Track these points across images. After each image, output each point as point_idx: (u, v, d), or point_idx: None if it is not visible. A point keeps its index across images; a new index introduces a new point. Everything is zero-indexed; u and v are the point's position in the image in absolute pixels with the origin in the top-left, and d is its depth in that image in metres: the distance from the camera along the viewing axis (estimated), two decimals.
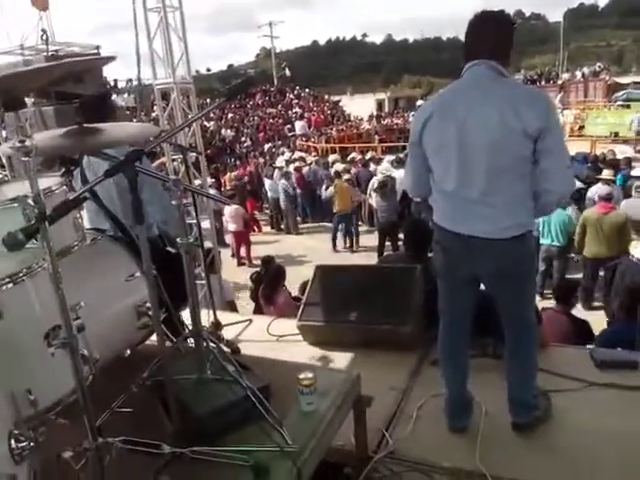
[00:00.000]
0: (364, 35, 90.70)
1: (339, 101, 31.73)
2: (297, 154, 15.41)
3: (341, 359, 2.89)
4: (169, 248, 2.24)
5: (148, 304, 2.03)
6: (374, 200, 9.19)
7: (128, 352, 2.19)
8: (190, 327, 1.88)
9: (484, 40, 2.01)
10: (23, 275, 1.43)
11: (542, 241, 6.63)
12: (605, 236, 6.11)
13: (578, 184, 6.95)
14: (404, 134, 21.80)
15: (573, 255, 6.78)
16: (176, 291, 1.71)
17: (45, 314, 1.43)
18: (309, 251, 9.79)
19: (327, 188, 10.50)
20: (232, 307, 6.08)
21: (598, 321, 4.66)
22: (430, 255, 3.52)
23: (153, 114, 15.90)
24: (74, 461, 1.32)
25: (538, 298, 5.76)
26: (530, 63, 46.63)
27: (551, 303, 4.49)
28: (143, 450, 1.44)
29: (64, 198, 1.64)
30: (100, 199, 2.03)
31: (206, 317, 2.73)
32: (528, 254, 2.17)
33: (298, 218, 11.94)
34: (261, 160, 16.14)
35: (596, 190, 6.77)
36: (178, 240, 1.69)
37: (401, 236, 9.01)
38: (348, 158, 13.00)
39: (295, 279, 5.59)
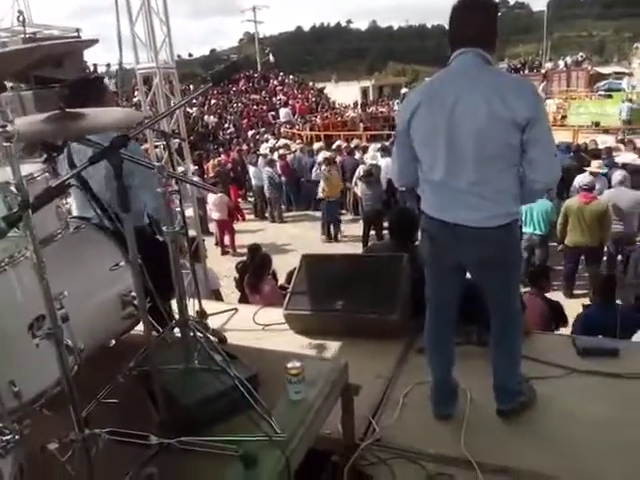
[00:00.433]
0: (349, 21, 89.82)
1: (324, 88, 31.53)
2: (281, 141, 15.28)
3: (328, 348, 2.90)
4: (159, 237, 2.20)
5: (133, 293, 2.00)
6: (359, 189, 9.18)
7: (113, 342, 2.17)
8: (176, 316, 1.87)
9: (470, 27, 1.99)
10: (5, 264, 1.39)
11: (524, 230, 6.71)
12: (587, 225, 6.21)
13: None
14: (389, 122, 21.85)
15: (555, 244, 6.87)
16: (165, 280, 1.68)
17: (28, 304, 1.39)
18: (294, 240, 9.76)
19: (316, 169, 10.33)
20: (217, 296, 6.04)
21: (578, 308, 4.75)
22: (416, 244, 3.55)
23: (134, 99, 15.61)
24: (60, 453, 1.30)
25: (521, 286, 5.85)
26: (514, 52, 46.84)
27: None
28: (130, 441, 1.42)
29: (46, 185, 1.59)
30: (89, 186, 1.98)
31: (191, 306, 2.71)
32: (514, 242, 2.19)
33: (282, 206, 11.87)
34: (245, 147, 15.98)
35: (580, 179, 6.84)
36: (164, 228, 1.66)
37: (386, 225, 9.08)
38: (333, 146, 12.94)
39: (280, 268, 5.57)
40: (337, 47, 71.92)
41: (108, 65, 23.31)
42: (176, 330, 1.90)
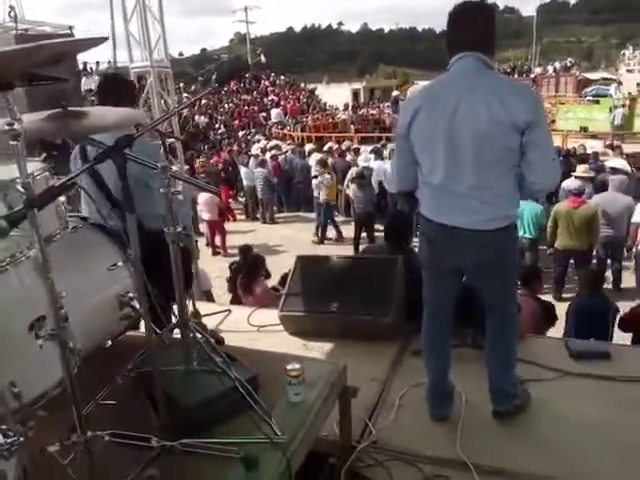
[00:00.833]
0: (340, 23, 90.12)
1: (315, 89, 31.54)
2: (273, 142, 15.27)
3: (323, 349, 2.90)
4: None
5: (131, 294, 1.99)
6: (351, 191, 9.19)
7: (109, 343, 2.15)
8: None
9: (468, 31, 2.01)
10: (6, 264, 1.37)
11: None
12: (575, 229, 6.28)
13: None
14: (379, 125, 21.92)
15: (545, 247, 6.94)
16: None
17: (29, 304, 1.38)
18: (285, 241, 9.74)
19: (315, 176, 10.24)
20: (209, 297, 6.02)
21: None
22: (411, 246, 3.58)
23: None
24: (61, 455, 1.29)
25: None
26: (504, 56, 47.20)
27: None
28: (132, 443, 1.41)
29: (46, 184, 1.58)
30: (107, 186, 1.96)
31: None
32: (512, 245, 2.21)
33: (274, 207, 11.85)
34: (235, 147, 15.93)
35: (568, 184, 6.92)
36: (165, 230, 1.65)
37: (377, 227, 9.10)
38: (325, 147, 12.95)
39: (272, 269, 5.56)
40: (328, 49, 72.03)
41: (97, 63, 23.14)
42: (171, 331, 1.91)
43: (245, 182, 11.86)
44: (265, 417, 1.61)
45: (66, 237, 1.78)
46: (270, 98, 26.65)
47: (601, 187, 7.44)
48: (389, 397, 2.46)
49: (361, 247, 8.68)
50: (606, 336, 3.91)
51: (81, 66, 17.32)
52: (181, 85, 22.94)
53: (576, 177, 7.18)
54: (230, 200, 12.56)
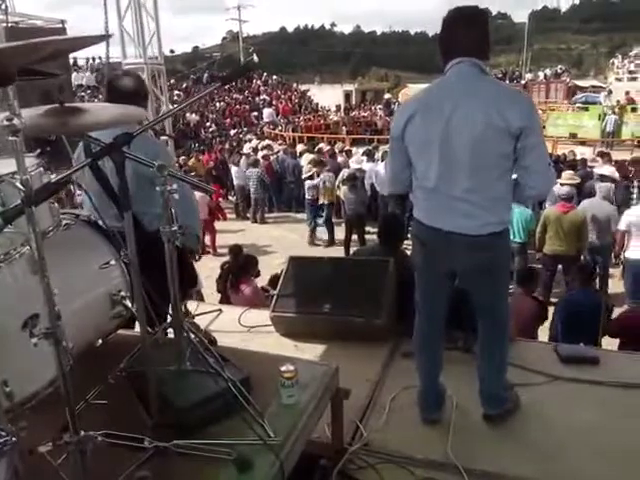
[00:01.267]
0: (333, 24, 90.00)
1: (307, 90, 31.55)
2: (265, 142, 15.23)
3: (314, 351, 2.90)
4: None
5: (122, 293, 1.97)
6: (342, 192, 9.20)
7: (100, 342, 2.12)
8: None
9: (463, 37, 2.02)
10: (0, 261, 1.35)
11: None
12: (565, 234, 6.33)
13: None
14: (371, 127, 21.98)
15: (533, 251, 6.99)
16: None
17: (22, 302, 1.36)
18: (275, 241, 9.72)
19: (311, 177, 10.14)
20: (199, 296, 5.97)
21: None
22: (402, 248, 3.59)
23: None
24: (52, 456, 1.27)
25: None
26: (495, 61, 47.46)
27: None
28: (124, 444, 1.39)
29: (40, 180, 1.56)
30: (110, 184, 1.93)
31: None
32: (505, 249, 2.22)
33: (265, 207, 11.82)
34: (227, 146, 15.87)
35: (558, 189, 6.98)
36: (161, 228, 1.63)
37: (368, 229, 9.11)
38: (316, 148, 12.94)
39: (262, 269, 5.54)
40: (321, 50, 72.05)
41: (87, 60, 22.92)
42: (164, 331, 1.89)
43: (236, 181, 11.82)
44: (258, 419, 1.60)
45: (59, 235, 1.75)
46: (262, 97, 26.59)
47: (589, 194, 7.54)
48: (380, 399, 2.46)
49: (351, 249, 8.68)
50: (597, 332, 3.97)
51: (71, 61, 17.16)
52: (171, 82, 22.77)
53: (562, 184, 7.24)
54: (220, 199, 12.51)
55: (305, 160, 11.12)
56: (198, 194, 9.22)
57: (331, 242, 9.69)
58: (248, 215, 11.78)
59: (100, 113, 1.48)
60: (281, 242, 9.53)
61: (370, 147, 11.65)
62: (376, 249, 3.60)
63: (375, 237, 8.88)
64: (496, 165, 1.97)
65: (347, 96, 29.54)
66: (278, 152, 13.00)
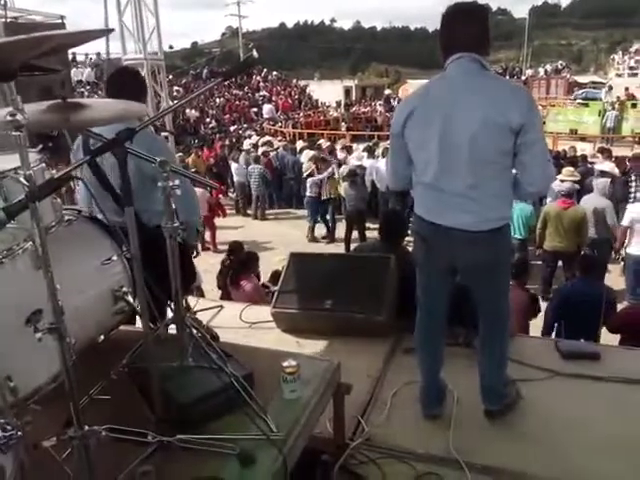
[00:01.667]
0: (332, 20, 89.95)
1: (307, 86, 31.49)
2: (265, 138, 15.20)
3: (315, 347, 2.90)
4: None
5: (125, 289, 1.98)
6: (342, 189, 9.19)
7: (101, 338, 2.13)
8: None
9: (463, 33, 2.01)
10: (3, 257, 1.35)
11: None
12: (565, 230, 6.33)
13: None
14: (371, 123, 21.94)
15: (533, 247, 7.00)
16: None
17: (25, 298, 1.36)
18: (276, 237, 9.71)
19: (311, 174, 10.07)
20: (199, 292, 5.98)
21: None
22: (404, 244, 3.59)
23: None
24: (55, 450, 1.27)
25: None
26: (495, 57, 47.45)
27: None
28: (128, 439, 1.40)
29: (42, 175, 1.56)
30: (107, 180, 1.93)
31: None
32: (506, 245, 2.22)
33: (265, 204, 11.81)
34: (227, 142, 15.84)
35: (558, 185, 6.98)
36: (162, 224, 1.64)
37: (368, 225, 9.11)
38: (315, 145, 12.92)
39: (262, 265, 5.55)
40: (320, 45, 71.88)
41: (86, 55, 22.84)
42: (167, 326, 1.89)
43: (236, 178, 11.79)
44: (261, 414, 1.61)
45: (61, 230, 1.76)
46: (261, 93, 26.54)
47: (589, 190, 7.54)
48: (382, 395, 2.47)
49: (352, 245, 8.68)
50: (598, 321, 4.00)
51: (70, 56, 17.10)
52: (170, 77, 22.71)
53: (562, 180, 7.24)
54: (220, 196, 12.50)
55: (305, 157, 11.09)
56: (198, 190, 9.23)
57: (332, 238, 9.69)
58: (248, 212, 11.77)
59: (102, 109, 1.48)
60: (281, 238, 9.52)
61: (371, 143, 11.62)
62: (377, 245, 3.60)
63: (375, 233, 8.90)
64: (496, 161, 1.96)
65: (347, 92, 29.47)
66: (278, 148, 12.98)
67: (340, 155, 11.24)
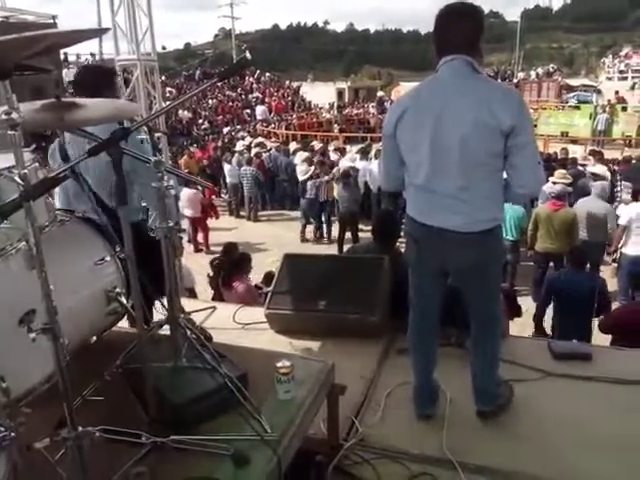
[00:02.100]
0: (326, 22, 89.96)
1: (300, 87, 31.51)
2: (258, 139, 15.20)
3: (309, 348, 2.90)
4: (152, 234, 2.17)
5: (118, 289, 1.97)
6: (335, 190, 9.20)
7: (94, 339, 2.12)
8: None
9: (457, 34, 2.01)
10: None
11: None
12: (555, 232, 6.38)
13: None
14: (364, 125, 21.97)
15: (525, 249, 7.04)
16: (158, 278, 1.65)
17: (19, 298, 1.35)
18: (269, 239, 9.71)
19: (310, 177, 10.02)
20: (192, 294, 5.97)
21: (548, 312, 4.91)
22: (397, 246, 3.60)
23: None
24: (48, 452, 1.26)
25: None
26: (487, 60, 47.68)
27: None
28: (122, 439, 1.39)
29: (35, 175, 1.55)
30: (84, 178, 1.92)
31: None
32: (498, 247, 2.23)
33: (258, 205, 11.81)
34: (219, 143, 15.81)
35: (549, 187, 7.03)
36: (157, 224, 1.63)
37: (361, 227, 9.13)
38: (308, 147, 12.93)
39: (256, 266, 5.54)
40: (314, 47, 71.97)
41: (78, 56, 22.70)
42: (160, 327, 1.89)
43: (229, 179, 11.79)
44: (255, 414, 1.61)
45: (54, 230, 1.75)
46: (254, 95, 26.52)
47: (580, 192, 7.60)
48: (375, 395, 2.47)
49: (345, 247, 8.69)
50: (590, 312, 4.11)
51: (62, 56, 16.99)
52: (163, 78, 22.64)
53: (554, 182, 7.29)
54: (213, 197, 12.48)
55: (299, 158, 11.10)
56: (191, 191, 9.27)
57: (329, 239, 9.71)
58: (242, 213, 11.75)
59: (96, 108, 1.47)
60: (275, 240, 9.52)
61: (364, 145, 11.66)
62: (371, 246, 3.61)
63: (368, 235, 8.91)
64: (486, 163, 1.97)
65: (340, 94, 29.52)
66: (270, 150, 12.98)
67: (333, 157, 11.25)
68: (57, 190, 2.29)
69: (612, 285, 6.61)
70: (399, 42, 75.53)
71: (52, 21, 5.81)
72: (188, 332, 1.73)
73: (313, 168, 9.77)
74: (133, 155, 1.47)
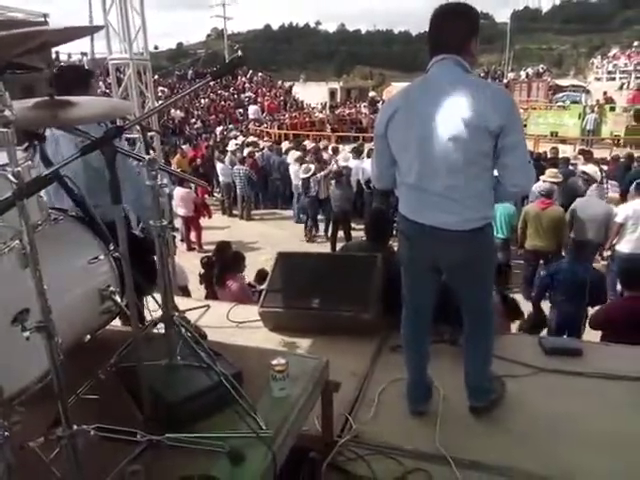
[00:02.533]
0: (317, 23, 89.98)
1: (292, 87, 31.50)
2: (250, 138, 15.17)
3: (303, 345, 2.91)
4: (134, 231, 2.16)
5: (112, 288, 1.96)
6: (329, 189, 9.21)
7: (88, 337, 2.11)
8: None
9: (450, 34, 2.03)
10: None
11: None
12: (544, 230, 6.42)
13: None
14: (356, 125, 22.02)
15: (515, 247, 7.09)
16: (142, 275, 1.65)
17: (12, 297, 1.35)
18: (262, 237, 9.71)
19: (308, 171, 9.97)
20: (185, 292, 5.96)
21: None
22: (390, 244, 3.62)
23: (99, 91, 15.13)
24: (43, 451, 1.26)
25: None
26: (477, 61, 47.78)
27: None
28: (117, 438, 1.39)
29: (28, 174, 1.54)
30: (62, 177, 1.91)
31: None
32: (488, 245, 2.24)
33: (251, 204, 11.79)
34: (211, 142, 15.76)
35: (538, 186, 7.08)
36: (151, 222, 1.63)
37: (353, 225, 9.15)
38: (300, 146, 12.93)
39: (249, 265, 5.53)
40: (305, 47, 71.98)
41: (69, 55, 22.53)
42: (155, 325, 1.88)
43: (221, 178, 11.77)
44: (250, 412, 1.61)
45: (47, 229, 1.74)
46: (247, 94, 26.47)
47: (570, 191, 7.66)
48: (369, 392, 2.49)
49: (338, 245, 8.71)
50: (584, 302, 4.28)
51: (54, 55, 16.87)
52: (156, 78, 22.53)
53: (544, 181, 7.34)
54: (206, 196, 12.44)
55: (291, 157, 11.10)
56: (184, 190, 9.24)
57: (327, 237, 9.71)
58: (234, 212, 11.74)
59: (90, 106, 1.47)
60: (268, 238, 9.51)
61: (357, 145, 11.69)
62: (364, 244, 3.63)
63: (361, 233, 8.92)
64: (476, 162, 1.98)
65: (332, 94, 29.56)
66: (263, 149, 12.97)
67: (326, 156, 11.26)
68: None
69: None
70: (390, 43, 75.72)
71: (43, 19, 5.74)
72: (183, 330, 1.73)
73: (313, 166, 9.75)
74: (125, 153, 1.47)
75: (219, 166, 11.83)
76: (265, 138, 17.14)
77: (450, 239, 2.05)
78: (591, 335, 4.07)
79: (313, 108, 26.42)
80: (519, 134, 2.01)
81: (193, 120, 21.75)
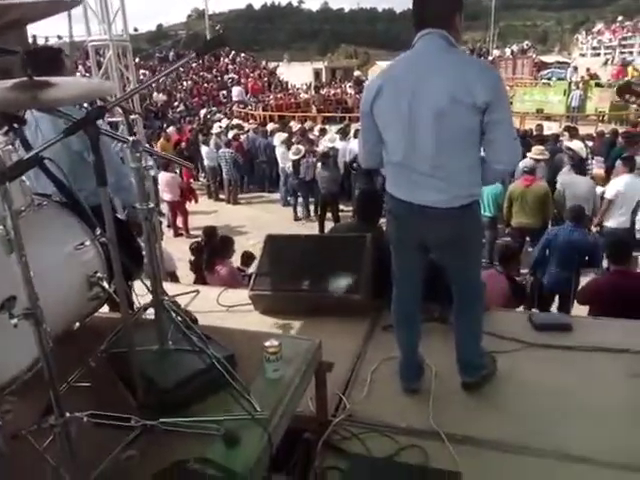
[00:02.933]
0: (300, 1, 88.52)
1: (276, 68, 31.07)
2: (235, 121, 14.97)
3: (294, 327, 2.91)
4: (118, 215, 2.12)
5: (99, 274, 1.93)
6: (316, 171, 9.16)
7: (77, 325, 2.08)
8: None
9: (434, 8, 2.00)
10: None
11: None
12: (529, 207, 6.47)
13: None
14: (342, 105, 21.85)
15: (502, 225, 7.14)
16: (126, 260, 1.62)
17: None
18: (249, 221, 9.66)
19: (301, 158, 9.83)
20: (173, 278, 5.92)
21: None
22: (380, 224, 3.61)
23: (78, 74, 14.80)
24: (36, 439, 1.24)
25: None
26: (462, 38, 47.46)
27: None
28: (111, 424, 1.38)
29: (9, 157, 1.50)
30: (45, 159, 1.85)
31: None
32: (476, 222, 2.24)
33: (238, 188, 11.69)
34: (195, 126, 15.52)
35: (523, 163, 7.09)
36: (137, 206, 1.60)
37: (341, 207, 9.13)
38: (286, 128, 12.81)
39: (237, 250, 5.51)
40: (288, 27, 70.93)
41: (46, 38, 21.95)
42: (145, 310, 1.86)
43: (207, 162, 11.62)
44: (244, 394, 1.60)
45: (31, 215, 1.69)
46: (230, 76, 26.05)
47: (556, 168, 7.70)
48: (362, 372, 2.50)
49: (326, 227, 8.69)
50: (577, 268, 4.53)
51: (31, 39, 16.41)
52: (137, 61, 22.06)
53: (531, 158, 7.36)
54: (191, 180, 12.30)
55: (277, 139, 10.98)
56: (169, 175, 9.12)
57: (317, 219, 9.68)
58: (221, 196, 11.64)
59: (70, 87, 1.42)
60: (255, 222, 9.47)
61: (343, 125, 11.60)
62: (353, 225, 3.62)
63: (349, 215, 8.93)
64: (462, 139, 1.97)
65: (317, 74, 29.23)
66: (248, 131, 12.81)
67: (312, 137, 11.17)
68: None
69: None
70: (374, 21, 74.90)
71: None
72: (173, 315, 1.71)
73: (303, 148, 9.64)
74: (110, 134, 1.43)
75: (204, 150, 11.67)
76: (250, 121, 16.93)
77: (439, 217, 2.04)
78: (579, 310, 4.14)
79: (298, 89, 26.12)
80: (505, 110, 2.00)
81: (176, 103, 21.40)
